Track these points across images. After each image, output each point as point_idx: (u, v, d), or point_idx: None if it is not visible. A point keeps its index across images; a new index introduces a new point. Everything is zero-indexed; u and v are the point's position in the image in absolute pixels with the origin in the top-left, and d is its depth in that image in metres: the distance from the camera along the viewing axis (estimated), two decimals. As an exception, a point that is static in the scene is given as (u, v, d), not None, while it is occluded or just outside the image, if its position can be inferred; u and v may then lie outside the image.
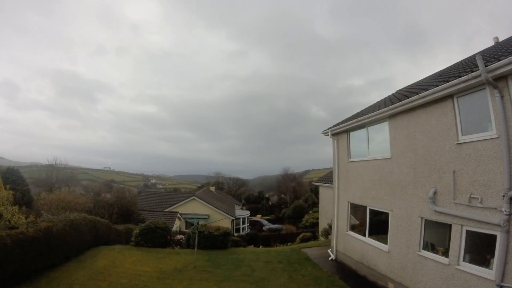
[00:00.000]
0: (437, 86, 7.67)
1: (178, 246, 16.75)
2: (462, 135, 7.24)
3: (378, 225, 10.99)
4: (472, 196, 6.76)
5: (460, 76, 6.92)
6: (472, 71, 6.57)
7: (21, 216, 13.99)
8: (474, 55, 8.45)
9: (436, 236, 8.29)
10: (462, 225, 7.02)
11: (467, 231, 6.94)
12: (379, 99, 14.77)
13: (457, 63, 11.81)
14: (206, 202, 35.78)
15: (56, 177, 44.14)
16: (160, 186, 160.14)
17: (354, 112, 14.32)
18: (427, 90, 8.02)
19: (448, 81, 7.27)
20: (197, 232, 14.27)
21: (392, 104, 9.63)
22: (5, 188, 18.17)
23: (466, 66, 8.51)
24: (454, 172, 7.32)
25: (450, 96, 7.53)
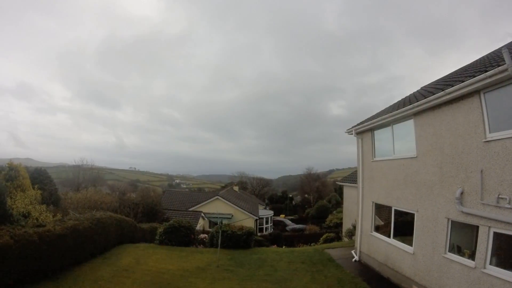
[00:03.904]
0: (463, 81, 7.37)
1: (201, 245, 16.99)
2: (489, 132, 6.91)
3: (403, 226, 10.70)
4: (500, 196, 6.45)
5: (486, 71, 6.60)
6: (499, 65, 6.26)
7: (48, 214, 14.59)
8: (500, 49, 8.10)
9: (463, 238, 7.97)
10: (489, 227, 6.72)
11: (495, 233, 6.63)
12: (401, 96, 14.41)
13: (483, 57, 11.31)
14: (230, 202, 36.03)
15: (83, 177, 45.47)
16: (184, 186, 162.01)
17: (375, 110, 14.06)
18: (452, 86, 7.73)
19: (474, 76, 6.98)
20: (220, 231, 14.41)
21: (417, 101, 9.34)
22: (33, 188, 18.92)
23: (493, 60, 8.12)
24: (481, 171, 7.00)
25: (476, 92, 7.22)
